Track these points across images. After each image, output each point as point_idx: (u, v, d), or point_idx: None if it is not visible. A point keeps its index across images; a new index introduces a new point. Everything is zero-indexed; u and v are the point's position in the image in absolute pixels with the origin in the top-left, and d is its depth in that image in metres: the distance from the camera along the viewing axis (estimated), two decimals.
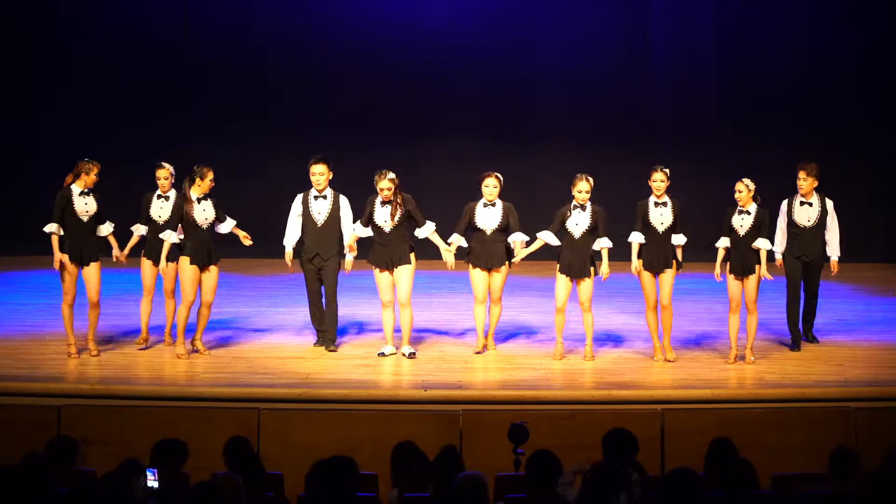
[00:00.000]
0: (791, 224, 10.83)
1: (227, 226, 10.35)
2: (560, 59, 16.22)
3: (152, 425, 8.57)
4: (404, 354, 10.34)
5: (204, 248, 10.17)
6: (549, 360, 10.37)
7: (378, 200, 10.29)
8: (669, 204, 10.31)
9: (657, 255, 10.28)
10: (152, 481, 5.86)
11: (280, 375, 9.89)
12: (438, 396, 9.36)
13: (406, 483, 6.35)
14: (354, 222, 10.48)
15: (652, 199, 10.33)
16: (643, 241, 10.26)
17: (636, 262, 10.22)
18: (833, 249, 10.83)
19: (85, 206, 10.13)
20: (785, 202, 10.89)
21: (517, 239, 10.39)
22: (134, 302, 10.97)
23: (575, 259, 10.16)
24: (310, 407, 9.20)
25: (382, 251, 10.32)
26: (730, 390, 9.61)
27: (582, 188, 10.18)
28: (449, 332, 11.47)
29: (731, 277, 10.22)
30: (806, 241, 10.77)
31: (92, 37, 16.04)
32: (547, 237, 10.27)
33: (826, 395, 9.54)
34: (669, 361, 10.23)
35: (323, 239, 10.54)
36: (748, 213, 10.18)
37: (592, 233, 10.19)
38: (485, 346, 10.55)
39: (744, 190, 10.17)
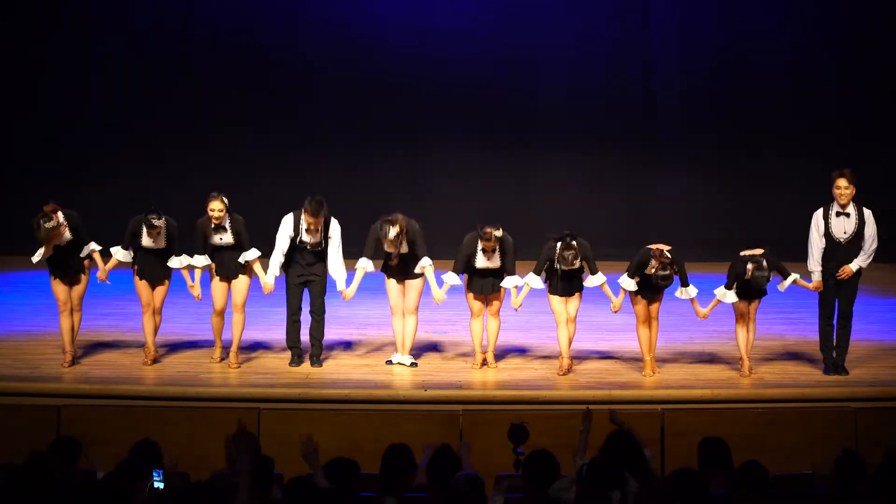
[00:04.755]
0: (826, 238, 9.93)
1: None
2: (560, 61, 16.22)
3: (152, 425, 8.57)
4: (404, 364, 10.21)
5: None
6: (548, 360, 10.37)
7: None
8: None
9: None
10: (158, 482, 5.86)
11: (280, 375, 9.89)
12: (438, 396, 9.37)
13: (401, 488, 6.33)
14: (360, 257, 10.00)
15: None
16: (634, 288, 9.88)
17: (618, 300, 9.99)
18: (859, 258, 9.89)
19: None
20: (818, 213, 9.98)
21: (510, 284, 9.99)
22: (134, 303, 10.89)
23: (565, 282, 9.98)
24: (310, 407, 9.21)
25: (394, 268, 10.12)
26: (730, 390, 9.60)
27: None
28: (449, 332, 11.46)
29: (738, 299, 9.91)
30: (840, 256, 9.88)
31: (96, 41, 16.08)
32: (534, 282, 9.97)
33: (826, 395, 9.54)
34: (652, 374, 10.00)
35: (313, 261, 10.13)
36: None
37: (581, 264, 9.91)
38: (484, 361, 10.26)
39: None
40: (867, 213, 9.98)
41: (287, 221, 10.15)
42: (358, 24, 16.14)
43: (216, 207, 10.04)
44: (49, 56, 15.99)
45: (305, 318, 10.25)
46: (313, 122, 16.09)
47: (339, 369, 10.13)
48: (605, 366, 10.31)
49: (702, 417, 9.01)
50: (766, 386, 9.73)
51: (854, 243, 9.91)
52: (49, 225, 9.71)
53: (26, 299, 12.53)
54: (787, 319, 11.70)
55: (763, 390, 9.64)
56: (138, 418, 8.88)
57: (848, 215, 9.91)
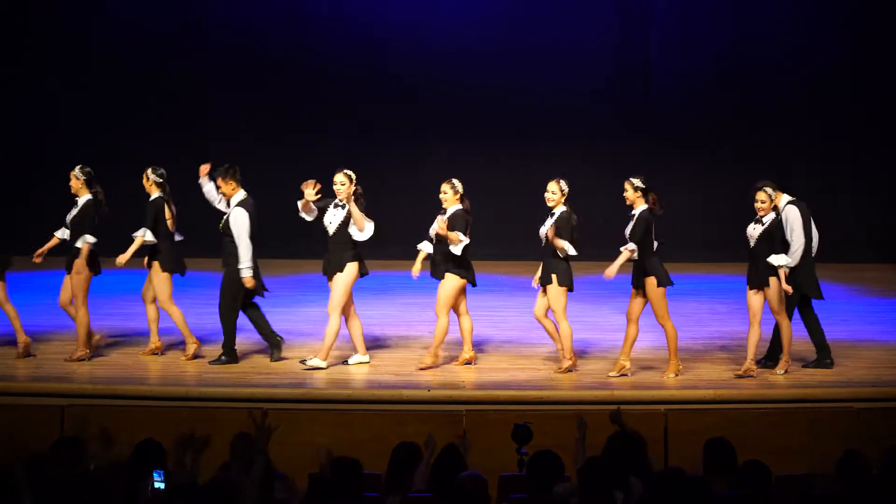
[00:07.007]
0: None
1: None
2: (559, 62, 16.24)
3: (156, 425, 8.56)
4: (303, 362, 10.00)
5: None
6: (551, 360, 10.36)
7: (334, 201, 9.95)
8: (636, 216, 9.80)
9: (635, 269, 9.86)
10: (159, 482, 5.86)
11: (283, 375, 9.89)
12: (441, 397, 9.36)
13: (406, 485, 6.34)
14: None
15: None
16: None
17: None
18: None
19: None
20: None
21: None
22: (137, 303, 10.88)
23: (542, 265, 9.92)
24: (312, 407, 9.21)
25: (326, 258, 10.01)
26: (733, 391, 9.59)
27: (548, 188, 9.88)
28: (448, 332, 11.43)
29: (749, 289, 9.87)
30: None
31: (94, 37, 16.08)
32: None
33: (829, 395, 9.54)
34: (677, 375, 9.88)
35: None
36: (762, 223, 9.82)
37: (557, 236, 9.75)
38: (433, 363, 10.08)
39: (766, 200, 9.76)
40: (786, 213, 10.02)
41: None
42: (358, 22, 16.15)
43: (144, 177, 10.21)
44: (49, 55, 16.01)
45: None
46: (312, 121, 16.09)
47: (342, 369, 10.12)
48: (607, 366, 10.28)
49: (705, 418, 9.01)
50: (770, 386, 9.72)
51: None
52: None
53: (27, 299, 12.50)
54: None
55: (766, 391, 9.63)
56: (142, 418, 8.87)
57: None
